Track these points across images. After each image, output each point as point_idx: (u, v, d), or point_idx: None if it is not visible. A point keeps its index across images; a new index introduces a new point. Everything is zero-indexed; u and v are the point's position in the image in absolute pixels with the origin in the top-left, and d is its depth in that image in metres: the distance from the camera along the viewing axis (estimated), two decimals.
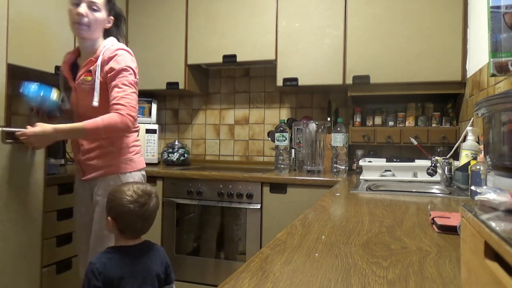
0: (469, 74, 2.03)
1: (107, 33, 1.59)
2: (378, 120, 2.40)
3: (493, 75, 1.18)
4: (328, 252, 0.63)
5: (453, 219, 0.81)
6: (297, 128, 2.48)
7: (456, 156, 1.77)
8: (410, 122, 2.33)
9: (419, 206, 1.11)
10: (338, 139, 2.16)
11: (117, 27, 1.64)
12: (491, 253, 0.34)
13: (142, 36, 2.71)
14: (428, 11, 2.14)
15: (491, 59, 1.15)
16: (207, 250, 2.28)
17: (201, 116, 3.00)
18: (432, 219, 0.84)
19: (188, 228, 2.33)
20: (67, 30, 2.37)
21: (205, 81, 2.93)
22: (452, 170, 1.64)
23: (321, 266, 0.56)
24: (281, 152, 2.31)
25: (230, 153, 2.92)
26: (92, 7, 1.48)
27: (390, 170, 1.87)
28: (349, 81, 2.26)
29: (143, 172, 1.62)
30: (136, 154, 1.59)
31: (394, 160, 2.11)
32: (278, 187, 2.08)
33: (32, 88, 1.52)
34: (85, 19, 1.47)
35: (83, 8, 1.46)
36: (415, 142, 2.00)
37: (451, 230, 0.76)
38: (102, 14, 1.52)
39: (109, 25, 1.58)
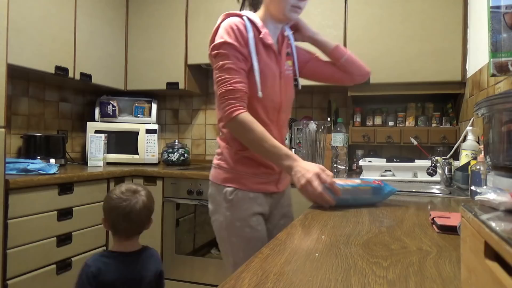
0: (469, 74, 2.03)
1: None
2: (378, 120, 2.40)
3: (493, 75, 1.18)
4: (328, 252, 0.63)
5: (453, 219, 0.81)
6: (297, 128, 2.48)
7: (456, 156, 1.77)
8: (410, 122, 2.33)
9: (419, 206, 1.11)
10: (338, 139, 2.16)
11: None
12: (491, 253, 0.34)
13: (142, 36, 2.71)
14: (428, 11, 2.14)
15: (491, 59, 1.15)
16: (207, 250, 2.28)
17: (201, 116, 3.00)
18: (432, 219, 0.84)
19: (188, 228, 2.33)
20: (67, 30, 2.37)
21: (205, 81, 2.93)
22: (452, 170, 1.64)
23: (321, 266, 0.56)
24: None
25: None
26: None
27: (390, 170, 1.87)
28: None
29: None
30: None
31: (394, 160, 2.11)
32: None
33: None
34: (304, 3, 1.22)
35: None
36: (415, 142, 2.00)
37: (451, 230, 0.76)
38: None
39: None
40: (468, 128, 1.66)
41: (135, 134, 2.66)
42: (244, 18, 1.18)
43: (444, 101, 2.37)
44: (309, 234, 0.75)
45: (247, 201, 1.17)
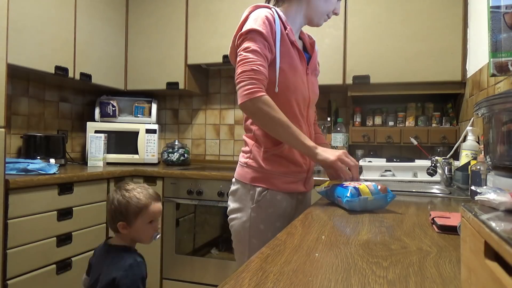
0: (469, 74, 2.03)
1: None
2: (378, 120, 2.40)
3: (493, 75, 1.18)
4: (328, 252, 0.63)
5: (453, 219, 0.81)
6: None
7: (456, 156, 1.77)
8: (410, 122, 2.33)
9: (419, 206, 1.11)
10: (338, 139, 2.16)
11: None
12: (491, 253, 0.34)
13: (142, 36, 2.72)
14: (428, 11, 2.14)
15: (491, 59, 1.15)
16: (207, 250, 2.28)
17: (201, 116, 3.00)
18: (432, 219, 0.84)
19: (188, 228, 2.33)
20: (67, 30, 2.37)
21: (205, 81, 2.93)
22: (452, 170, 1.64)
23: (321, 266, 0.56)
24: None
25: (230, 153, 2.92)
26: None
27: (390, 170, 1.87)
28: (349, 81, 2.25)
29: None
30: None
31: (394, 160, 2.11)
32: None
33: None
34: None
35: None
36: (415, 142, 2.00)
37: (451, 230, 0.76)
38: None
39: None
40: (468, 128, 1.66)
41: (135, 134, 2.66)
42: (273, 10, 1.18)
43: (444, 101, 2.37)
44: (309, 234, 0.75)
45: (274, 203, 1.16)
